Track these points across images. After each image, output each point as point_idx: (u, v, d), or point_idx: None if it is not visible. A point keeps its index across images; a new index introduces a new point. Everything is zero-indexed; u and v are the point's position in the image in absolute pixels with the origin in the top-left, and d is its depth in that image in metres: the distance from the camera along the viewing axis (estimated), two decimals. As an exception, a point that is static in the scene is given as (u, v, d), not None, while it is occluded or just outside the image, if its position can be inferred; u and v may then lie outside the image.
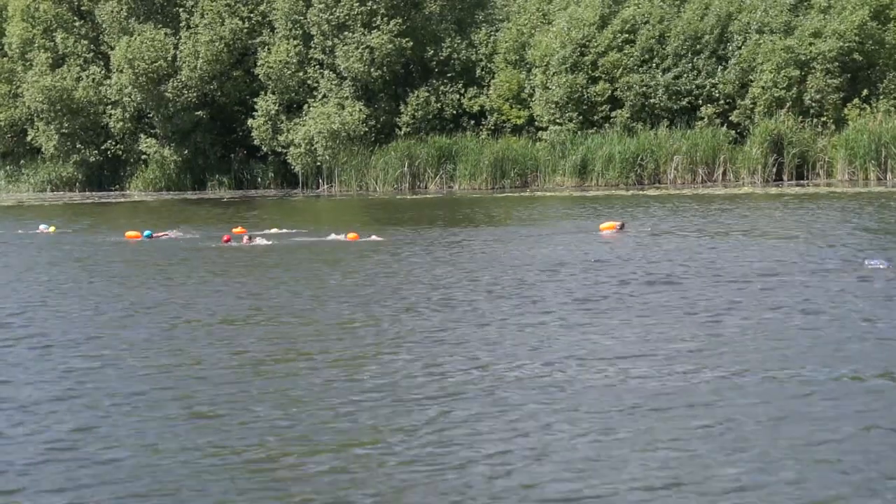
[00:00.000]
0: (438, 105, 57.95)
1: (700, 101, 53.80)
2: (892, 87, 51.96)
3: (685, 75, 53.86)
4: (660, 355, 13.08)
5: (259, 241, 28.92)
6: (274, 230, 32.48)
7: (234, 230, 32.15)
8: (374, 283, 20.19)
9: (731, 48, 54.02)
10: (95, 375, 12.87)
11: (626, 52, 54.69)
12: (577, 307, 16.65)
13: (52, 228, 35.19)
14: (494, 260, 23.36)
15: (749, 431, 9.92)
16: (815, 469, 8.94)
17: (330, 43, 58.46)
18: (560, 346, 13.84)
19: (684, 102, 53.88)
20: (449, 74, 58.58)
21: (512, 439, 9.88)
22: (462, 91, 58.21)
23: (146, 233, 31.42)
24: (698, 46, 54.08)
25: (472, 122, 57.86)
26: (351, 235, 29.14)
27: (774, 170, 51.73)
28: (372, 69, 57.37)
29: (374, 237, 28.95)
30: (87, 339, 15.26)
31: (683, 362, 12.68)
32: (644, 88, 54.05)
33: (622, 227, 29.02)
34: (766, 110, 52.07)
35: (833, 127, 51.76)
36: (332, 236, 29.64)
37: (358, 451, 9.69)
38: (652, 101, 54.07)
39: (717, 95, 53.57)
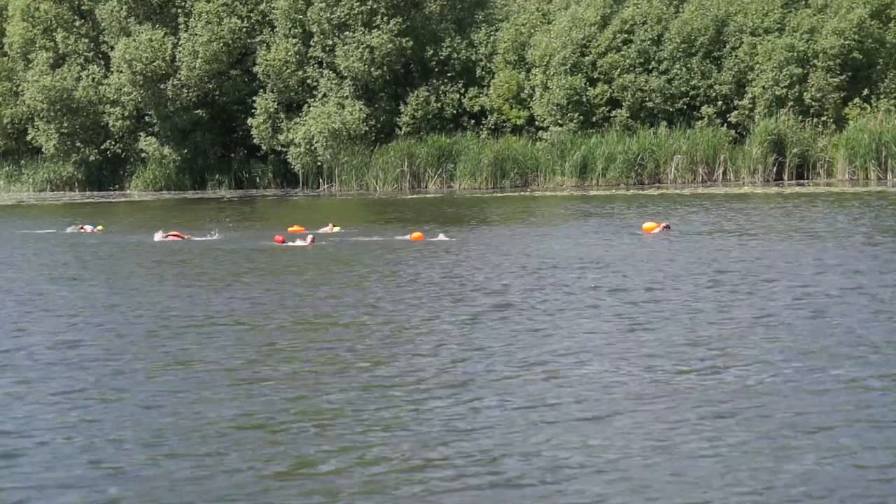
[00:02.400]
0: (438, 105, 57.96)
1: (697, 103, 53.83)
2: (893, 86, 51.99)
3: (679, 78, 53.84)
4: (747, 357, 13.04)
5: (320, 241, 28.35)
6: (336, 229, 32.09)
7: (290, 229, 31.80)
8: (460, 281, 20.10)
9: (726, 49, 54.04)
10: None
11: (623, 52, 54.72)
12: (641, 309, 16.41)
13: (99, 228, 34.94)
14: (561, 258, 23.14)
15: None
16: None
17: (330, 42, 58.46)
18: (625, 347, 13.69)
19: (680, 104, 53.91)
20: (449, 74, 58.59)
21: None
22: (462, 91, 58.22)
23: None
24: (693, 49, 54.10)
25: (472, 122, 57.86)
26: (415, 235, 28.76)
27: (774, 169, 51.78)
28: (372, 69, 57.37)
29: (441, 236, 28.42)
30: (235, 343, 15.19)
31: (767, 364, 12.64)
32: (639, 92, 54.06)
33: (667, 227, 28.43)
34: (766, 110, 52.10)
35: (833, 126, 51.80)
36: (396, 236, 29.32)
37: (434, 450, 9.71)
38: (648, 103, 54.10)
39: (714, 96, 53.58)
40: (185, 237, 30.83)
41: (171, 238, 30.57)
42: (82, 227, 35.01)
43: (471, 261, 23.47)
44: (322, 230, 31.59)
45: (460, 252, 25.31)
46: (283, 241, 28.49)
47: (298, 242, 28.15)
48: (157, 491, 8.82)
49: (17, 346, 14.81)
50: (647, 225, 29.01)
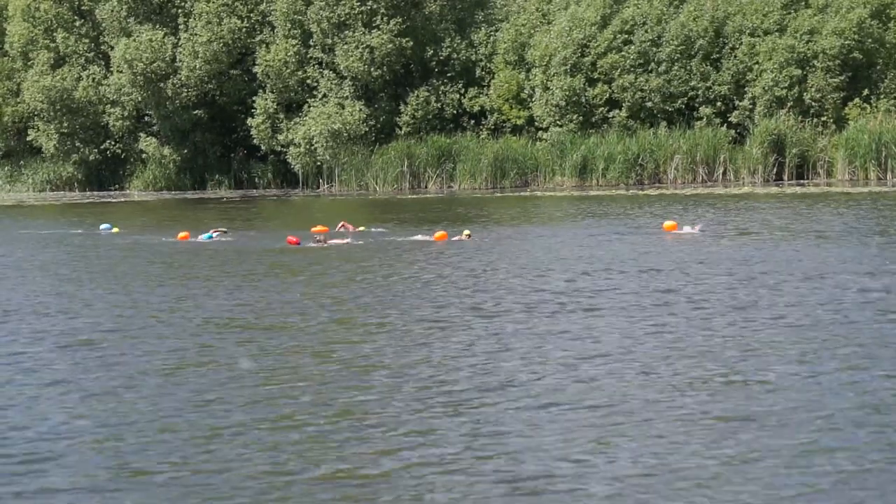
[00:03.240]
0: (438, 105, 57.96)
1: (695, 103, 53.82)
2: (893, 86, 52.01)
3: (678, 78, 53.82)
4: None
5: (335, 241, 28.09)
6: (361, 228, 31.99)
7: (314, 229, 31.73)
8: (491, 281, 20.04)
9: (725, 50, 54.04)
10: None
11: (623, 53, 54.73)
12: (673, 310, 16.30)
13: (115, 229, 34.83)
14: (593, 259, 23.04)
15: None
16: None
17: (330, 42, 58.46)
18: (656, 347, 13.68)
19: (678, 104, 53.90)
20: (449, 74, 58.59)
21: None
22: (462, 91, 58.22)
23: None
24: (692, 51, 54.10)
25: (472, 122, 57.86)
26: (438, 235, 28.50)
27: (774, 170, 51.79)
28: (372, 69, 57.37)
29: (464, 236, 28.03)
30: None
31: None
32: (639, 93, 54.06)
33: (698, 228, 27.96)
34: (766, 110, 52.12)
35: (833, 126, 51.81)
36: (419, 236, 29.09)
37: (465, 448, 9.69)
38: (648, 103, 54.10)
39: (712, 97, 53.56)
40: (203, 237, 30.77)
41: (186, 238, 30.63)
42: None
43: (502, 261, 23.29)
44: (352, 229, 31.59)
45: (491, 252, 25.04)
46: (297, 243, 28.11)
47: (312, 244, 27.90)
48: (190, 494, 8.83)
49: (63, 345, 14.89)
50: (668, 224, 28.75)
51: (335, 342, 14.65)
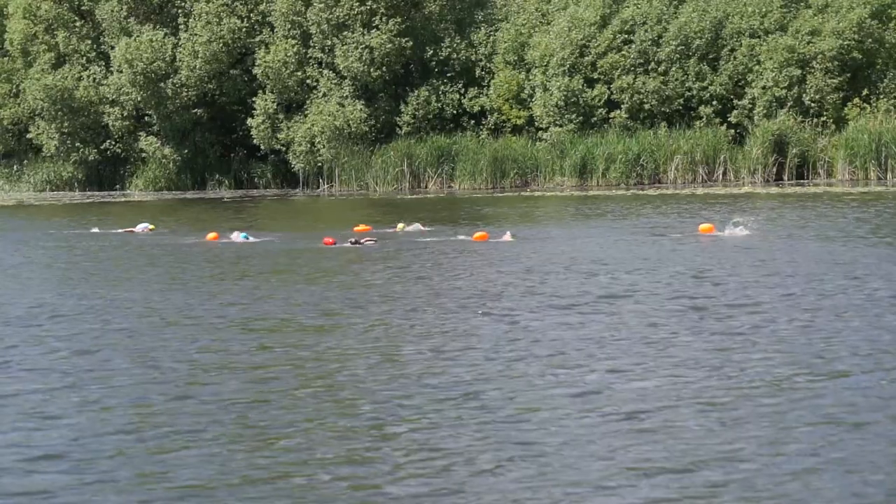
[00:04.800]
0: (438, 105, 57.97)
1: (693, 104, 53.82)
2: (893, 86, 52.06)
3: (675, 80, 53.82)
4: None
5: (367, 242, 27.76)
6: (415, 226, 31.81)
7: (355, 228, 31.42)
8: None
9: (724, 51, 54.06)
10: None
11: (623, 53, 54.75)
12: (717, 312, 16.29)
13: (150, 227, 34.72)
14: (636, 260, 22.94)
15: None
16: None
17: (329, 42, 58.47)
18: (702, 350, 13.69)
19: (676, 105, 53.91)
20: (449, 74, 58.61)
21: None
22: (462, 91, 58.23)
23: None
24: (690, 52, 54.12)
25: (472, 122, 57.88)
26: (478, 235, 28.32)
27: (774, 170, 51.84)
28: (371, 69, 57.39)
29: (508, 237, 27.73)
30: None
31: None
32: (637, 94, 54.06)
33: (735, 230, 27.52)
34: (765, 111, 52.16)
35: (833, 127, 51.87)
36: (461, 237, 28.92)
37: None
38: (646, 104, 54.11)
39: (709, 97, 53.54)
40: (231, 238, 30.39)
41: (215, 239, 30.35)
42: (131, 230, 34.72)
43: (545, 262, 23.08)
44: (391, 229, 31.48)
45: (532, 253, 24.83)
46: (333, 244, 27.79)
47: (348, 243, 27.63)
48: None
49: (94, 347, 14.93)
50: (704, 226, 28.45)
51: (382, 342, 14.67)
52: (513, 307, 17.24)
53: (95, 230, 35.41)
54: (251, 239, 30.14)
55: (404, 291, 19.31)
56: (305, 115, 58.51)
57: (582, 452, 9.68)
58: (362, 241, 27.85)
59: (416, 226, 32.02)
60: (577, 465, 9.35)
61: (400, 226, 32.04)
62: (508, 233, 28.18)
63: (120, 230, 34.87)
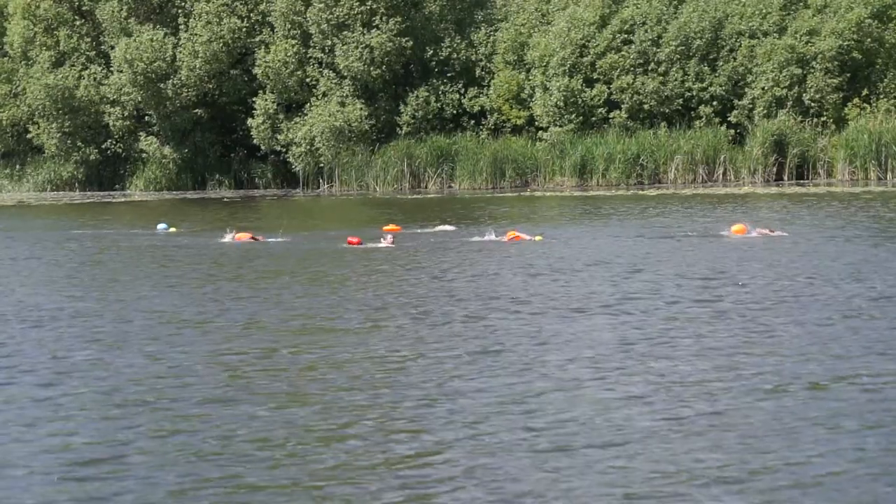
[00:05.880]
0: (438, 105, 57.98)
1: (693, 104, 53.82)
2: (893, 86, 52.10)
3: (674, 80, 53.82)
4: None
5: (388, 242, 27.52)
6: (441, 227, 31.68)
7: (385, 228, 31.21)
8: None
9: (723, 52, 54.08)
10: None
11: (622, 53, 54.76)
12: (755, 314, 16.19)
13: (172, 229, 34.46)
14: (668, 262, 22.77)
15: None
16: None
17: (329, 42, 58.48)
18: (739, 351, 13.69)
19: (675, 105, 53.92)
20: (449, 74, 58.62)
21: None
22: (462, 91, 58.24)
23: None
24: (690, 52, 54.13)
25: (472, 122, 57.88)
26: (511, 234, 28.03)
27: (774, 169, 51.87)
28: (371, 68, 57.40)
29: (537, 238, 27.63)
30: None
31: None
32: (636, 95, 54.08)
33: (770, 230, 27.29)
34: (765, 111, 52.18)
35: (833, 127, 51.90)
36: (489, 237, 28.54)
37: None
38: (646, 105, 54.12)
39: (708, 98, 53.55)
40: (260, 238, 30.07)
41: (242, 239, 29.91)
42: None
43: (576, 263, 22.95)
44: (435, 229, 31.32)
45: (564, 254, 24.68)
46: (359, 243, 27.61)
47: (381, 244, 27.46)
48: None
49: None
50: (736, 227, 28.15)
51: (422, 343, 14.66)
52: (563, 308, 17.15)
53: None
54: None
55: (469, 293, 19.17)
56: (305, 116, 58.52)
57: (638, 457, 9.69)
58: (389, 240, 27.65)
59: (446, 226, 31.84)
60: (634, 468, 9.39)
61: (435, 224, 31.82)
62: (537, 235, 28.00)
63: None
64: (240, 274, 23.05)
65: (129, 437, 10.47)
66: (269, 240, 29.90)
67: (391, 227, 31.83)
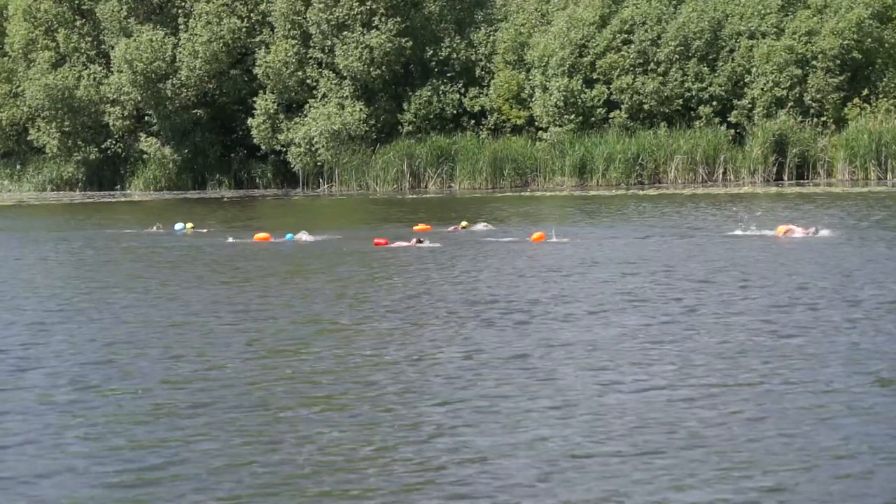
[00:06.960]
0: (439, 105, 58.09)
1: (692, 104, 53.98)
2: (893, 86, 52.27)
3: (674, 81, 53.96)
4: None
5: (427, 243, 27.10)
6: (481, 225, 31.39)
7: (415, 228, 30.98)
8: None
9: (722, 53, 54.26)
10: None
11: (622, 53, 54.91)
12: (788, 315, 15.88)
13: (188, 227, 34.21)
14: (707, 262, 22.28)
15: None
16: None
17: (329, 42, 58.58)
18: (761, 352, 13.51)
19: (675, 105, 54.09)
20: (449, 74, 58.73)
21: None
22: (462, 91, 58.36)
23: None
24: (689, 53, 54.30)
25: (473, 122, 58.00)
26: (536, 236, 27.58)
27: (774, 169, 52.06)
28: (371, 68, 57.50)
29: (554, 237, 27.03)
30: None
31: None
32: (636, 95, 54.22)
33: (816, 231, 26.40)
34: (765, 111, 52.36)
35: (833, 126, 52.08)
36: (511, 238, 28.26)
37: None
38: (646, 105, 54.27)
39: (708, 98, 53.71)
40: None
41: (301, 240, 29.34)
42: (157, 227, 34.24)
43: (604, 265, 22.49)
44: (450, 229, 31.17)
45: (587, 254, 24.29)
46: (386, 244, 27.22)
47: (400, 244, 27.11)
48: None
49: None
50: (782, 227, 27.24)
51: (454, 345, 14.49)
52: (598, 307, 17.02)
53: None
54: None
55: (502, 294, 18.87)
56: (305, 116, 58.61)
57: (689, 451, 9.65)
58: (422, 240, 27.27)
59: (481, 225, 31.50)
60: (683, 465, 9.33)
61: (463, 224, 31.54)
62: (555, 235, 27.59)
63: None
64: (303, 272, 22.75)
65: (182, 438, 10.54)
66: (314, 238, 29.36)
67: (421, 226, 31.69)
